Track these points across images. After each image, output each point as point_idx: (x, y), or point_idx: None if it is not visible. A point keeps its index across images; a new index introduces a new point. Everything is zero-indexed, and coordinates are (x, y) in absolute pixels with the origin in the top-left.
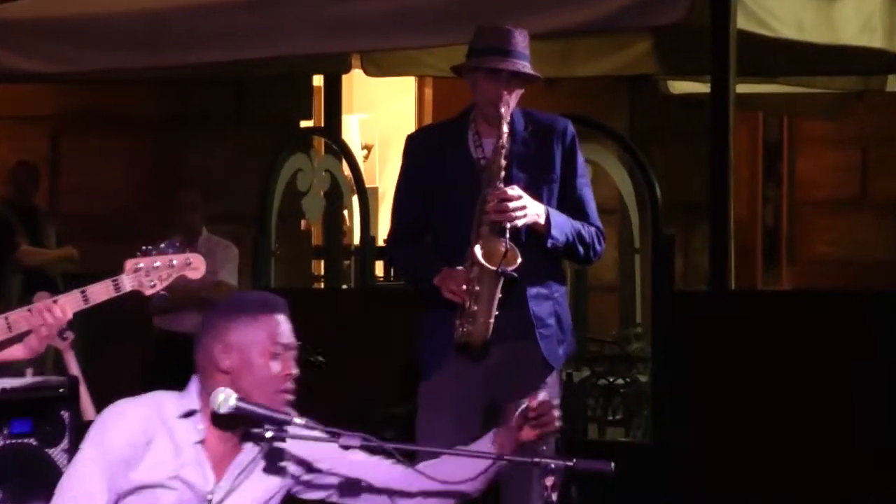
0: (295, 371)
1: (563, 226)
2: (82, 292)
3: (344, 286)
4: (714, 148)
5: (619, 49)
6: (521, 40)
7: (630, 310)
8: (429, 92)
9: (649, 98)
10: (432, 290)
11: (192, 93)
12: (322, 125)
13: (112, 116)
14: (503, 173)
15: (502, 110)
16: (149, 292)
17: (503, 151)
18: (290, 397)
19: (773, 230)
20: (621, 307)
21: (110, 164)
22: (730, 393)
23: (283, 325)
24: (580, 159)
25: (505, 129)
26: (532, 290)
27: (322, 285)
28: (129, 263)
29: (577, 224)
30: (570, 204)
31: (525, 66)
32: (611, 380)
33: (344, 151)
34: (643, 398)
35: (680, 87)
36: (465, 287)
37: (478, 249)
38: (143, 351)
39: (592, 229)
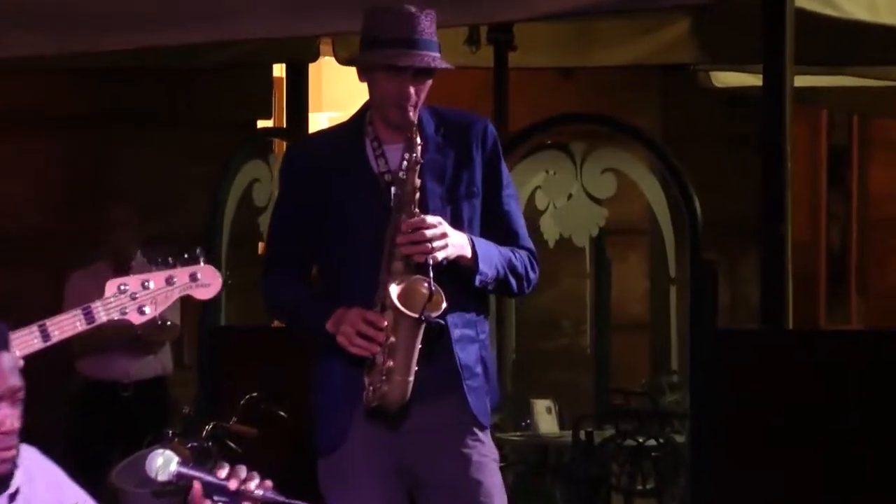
0: (15, 425)
1: (492, 257)
2: (40, 327)
3: None
4: (767, 154)
5: (650, 33)
6: (427, 24)
7: (664, 353)
8: None
9: (686, 93)
10: (322, 336)
11: (123, 87)
12: (284, 125)
13: (21, 114)
14: (418, 194)
15: (411, 115)
16: (139, 320)
17: (417, 168)
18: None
19: (839, 255)
20: (653, 350)
21: (18, 172)
22: (785, 457)
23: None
24: (504, 166)
25: (419, 139)
26: (456, 333)
27: (272, 312)
28: (111, 285)
29: (507, 251)
30: (495, 223)
31: (436, 59)
32: (640, 440)
33: None
34: (679, 463)
35: (724, 79)
36: (377, 338)
37: (393, 290)
38: (63, 403)
39: (524, 254)
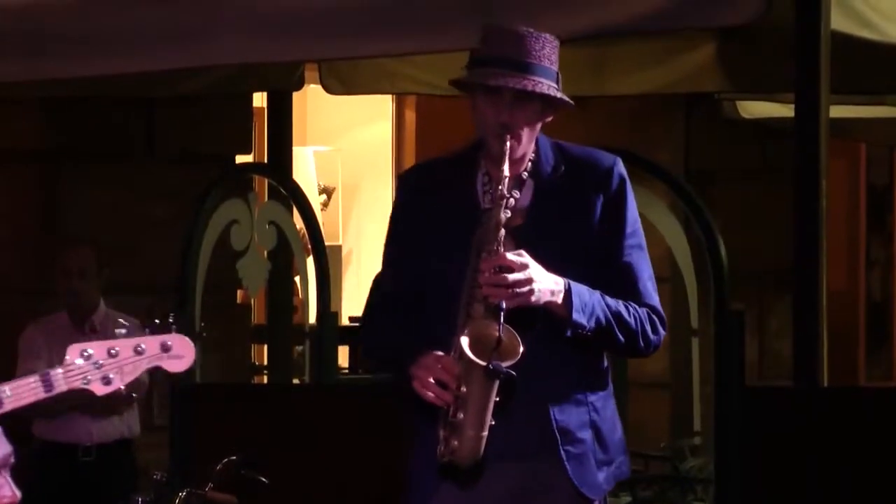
0: (17, 495)
1: (591, 306)
2: None
3: (295, 380)
4: (800, 193)
5: (672, 58)
6: (539, 47)
7: (685, 413)
8: (411, 116)
9: (711, 124)
10: (409, 383)
11: (87, 117)
12: (265, 161)
13: None
14: (503, 232)
15: (505, 146)
16: (102, 391)
17: (503, 202)
18: None
19: (880, 305)
20: (674, 410)
21: None
22: None
23: None
24: (631, 212)
25: (506, 170)
26: (554, 394)
27: (265, 379)
28: (73, 350)
29: (618, 303)
30: (613, 275)
31: (540, 84)
32: None
33: (295, 196)
34: None
35: (752, 109)
36: (450, 385)
37: (464, 338)
38: (17, 467)
39: (643, 311)
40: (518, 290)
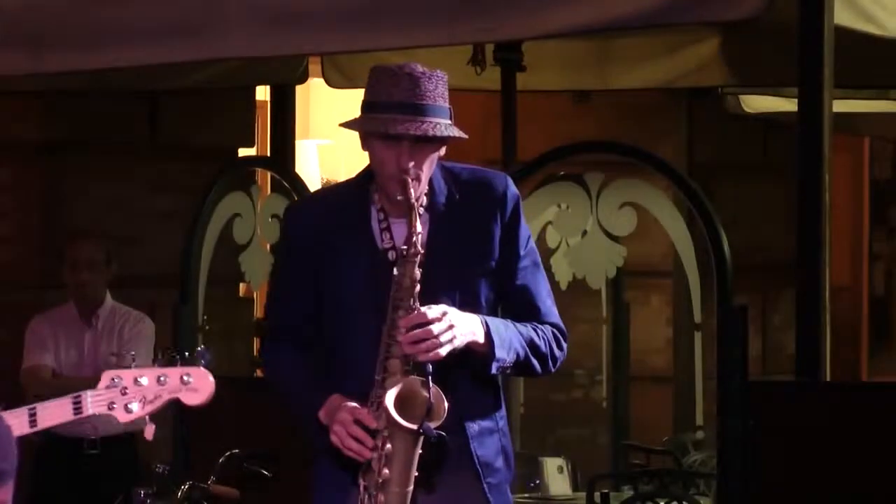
0: None
1: (507, 340)
2: (31, 411)
3: None
4: (803, 187)
5: (674, 52)
6: (432, 87)
7: (688, 408)
8: None
9: (715, 119)
10: (313, 426)
11: (90, 110)
12: (268, 154)
13: None
14: (418, 288)
15: (411, 193)
16: (125, 419)
17: (417, 258)
18: None
19: (883, 300)
20: (676, 404)
21: None
22: None
23: None
24: (523, 232)
25: (419, 226)
26: (473, 428)
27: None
28: (107, 376)
29: (528, 329)
30: (513, 297)
31: (438, 125)
32: (662, 503)
33: (298, 190)
34: None
35: (756, 104)
36: (370, 444)
37: (389, 398)
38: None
39: (548, 330)
40: (441, 339)
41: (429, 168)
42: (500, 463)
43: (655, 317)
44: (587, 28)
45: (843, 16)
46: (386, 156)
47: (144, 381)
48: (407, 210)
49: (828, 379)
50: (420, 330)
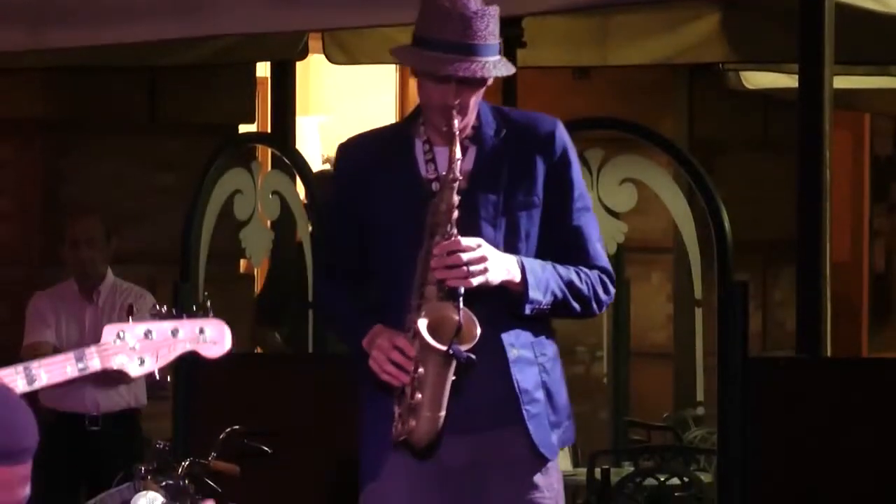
0: None
1: (544, 281)
2: (26, 370)
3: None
4: (804, 164)
5: (675, 28)
6: (483, 26)
7: (688, 384)
8: (414, 85)
9: (715, 95)
10: (361, 354)
11: (90, 87)
12: (268, 131)
13: None
14: (455, 214)
15: (455, 124)
16: (136, 373)
17: (456, 185)
18: None
19: (883, 276)
20: (676, 380)
21: None
22: (823, 497)
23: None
24: (576, 175)
25: (458, 153)
26: (512, 354)
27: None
28: (109, 330)
29: (569, 271)
30: (561, 238)
31: (486, 65)
32: (662, 479)
33: (298, 166)
34: (706, 503)
35: (756, 79)
36: (407, 367)
37: (422, 322)
38: None
39: (594, 273)
40: (472, 269)
41: (475, 103)
42: (539, 395)
43: (656, 293)
44: (588, 4)
45: None
46: (433, 92)
47: (155, 334)
48: (449, 138)
49: (828, 355)
50: (452, 256)
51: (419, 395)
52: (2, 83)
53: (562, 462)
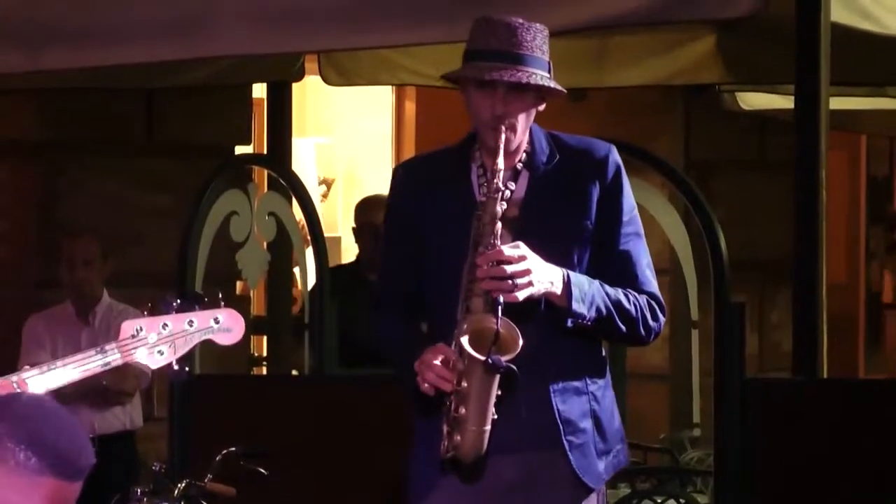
0: None
1: (590, 296)
2: (50, 366)
3: (294, 372)
4: (800, 185)
5: (671, 50)
6: (530, 38)
7: (685, 405)
8: (411, 107)
9: (711, 116)
10: (413, 378)
11: (86, 109)
12: (265, 152)
13: None
14: (499, 226)
15: (500, 138)
16: (155, 364)
17: (499, 196)
18: None
19: (879, 297)
20: (673, 402)
21: None
22: None
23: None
24: (627, 200)
25: (501, 163)
26: (556, 384)
27: (264, 370)
28: (126, 326)
29: (617, 291)
30: (610, 263)
31: (533, 75)
32: (659, 500)
33: (295, 187)
34: None
35: (753, 101)
36: (450, 379)
37: (464, 330)
38: None
39: (643, 298)
40: (517, 282)
41: (525, 120)
42: (585, 424)
43: None
44: (584, 26)
45: (840, 13)
46: (481, 103)
47: (171, 327)
48: (494, 151)
49: (824, 376)
50: (497, 267)
51: (462, 409)
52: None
53: None
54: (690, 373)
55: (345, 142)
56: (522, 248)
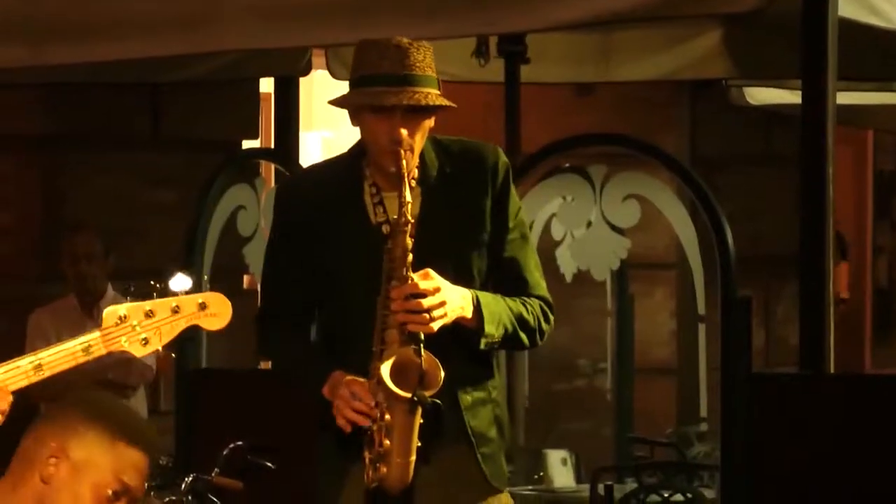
0: None
1: (498, 315)
2: (33, 356)
3: None
4: (806, 179)
5: (677, 44)
6: (421, 58)
7: (692, 400)
8: None
9: (718, 111)
10: (319, 400)
11: (91, 103)
12: (272, 146)
13: None
14: (411, 257)
15: (402, 164)
16: (141, 353)
17: (408, 228)
18: None
19: (886, 291)
20: (680, 396)
21: None
22: None
23: (140, 468)
24: (513, 204)
25: (408, 195)
26: (466, 399)
27: (271, 364)
28: (109, 314)
29: (517, 303)
30: (502, 269)
31: (429, 95)
32: (666, 495)
33: None
34: None
35: (760, 96)
36: (371, 415)
37: (385, 369)
38: None
39: (536, 304)
40: (433, 314)
41: (421, 139)
42: (492, 433)
43: (659, 309)
44: (591, 20)
45: (847, 8)
46: (378, 128)
47: (157, 312)
48: (398, 181)
49: (831, 371)
50: (413, 301)
51: (387, 442)
52: (2, 99)
53: (565, 478)
54: (697, 367)
55: (352, 136)
56: (436, 279)
